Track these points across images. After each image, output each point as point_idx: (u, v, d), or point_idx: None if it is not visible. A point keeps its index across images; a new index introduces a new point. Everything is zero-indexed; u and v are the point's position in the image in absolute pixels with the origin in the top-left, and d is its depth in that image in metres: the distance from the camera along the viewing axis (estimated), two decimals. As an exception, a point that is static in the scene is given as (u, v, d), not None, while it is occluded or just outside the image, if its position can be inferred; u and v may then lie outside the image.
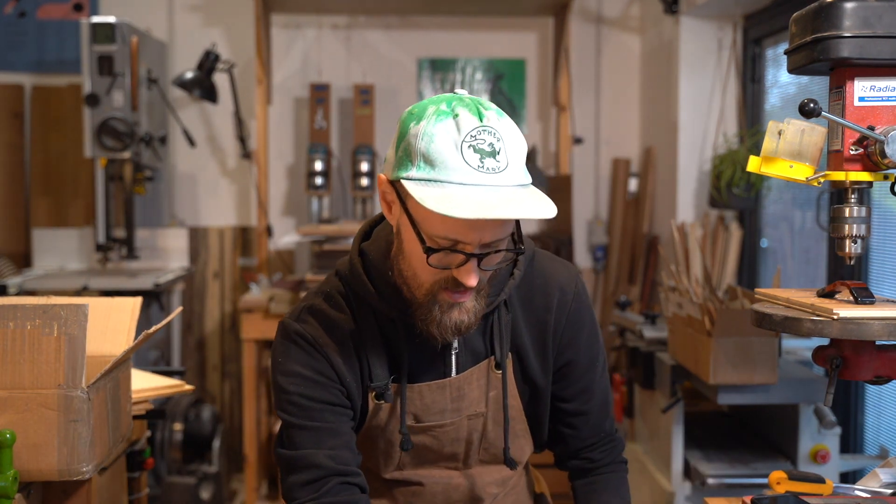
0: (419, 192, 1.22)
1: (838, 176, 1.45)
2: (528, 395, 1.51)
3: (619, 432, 1.63)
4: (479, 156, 1.22)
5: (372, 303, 1.40)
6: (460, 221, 1.21)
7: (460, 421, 1.47)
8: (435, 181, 1.23)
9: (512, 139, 1.26)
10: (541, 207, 1.22)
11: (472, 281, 1.28)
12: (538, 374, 1.49)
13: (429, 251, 1.26)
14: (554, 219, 4.17)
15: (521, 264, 1.45)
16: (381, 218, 1.46)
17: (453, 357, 1.44)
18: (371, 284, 1.40)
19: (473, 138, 1.23)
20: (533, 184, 1.29)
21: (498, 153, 1.23)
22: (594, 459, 1.58)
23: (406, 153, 1.26)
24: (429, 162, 1.23)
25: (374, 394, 1.42)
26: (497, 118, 1.26)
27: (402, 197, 1.29)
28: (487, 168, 1.22)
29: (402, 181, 1.25)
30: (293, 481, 1.38)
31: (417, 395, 1.44)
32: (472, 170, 1.22)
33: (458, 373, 1.45)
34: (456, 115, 1.24)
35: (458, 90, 1.32)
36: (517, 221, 1.33)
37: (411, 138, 1.25)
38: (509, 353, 1.46)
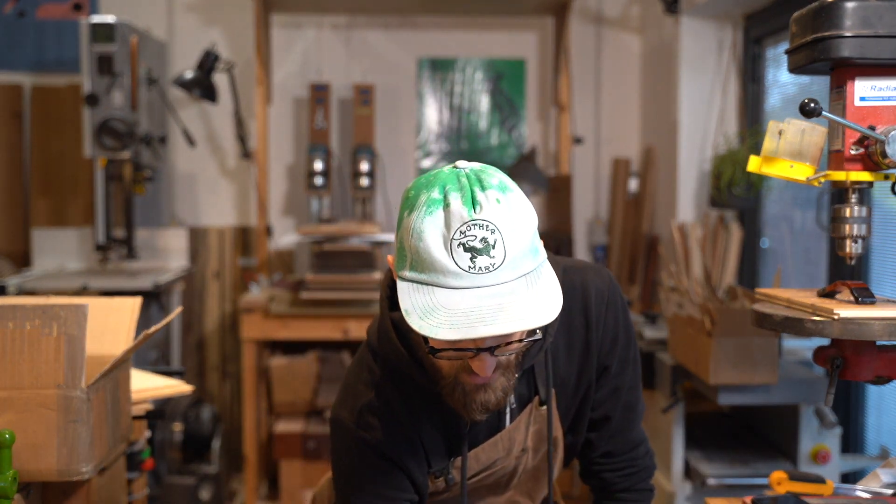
0: (407, 303, 1.15)
1: (839, 176, 1.44)
2: (570, 421, 1.49)
3: (650, 456, 1.59)
4: (469, 255, 1.13)
5: (423, 382, 1.33)
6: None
7: (509, 462, 1.45)
8: (425, 284, 1.16)
9: (510, 227, 1.16)
10: (538, 311, 1.14)
11: (487, 372, 1.20)
12: (579, 401, 1.46)
13: (432, 351, 1.20)
14: (554, 219, 4.17)
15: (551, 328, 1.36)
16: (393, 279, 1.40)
17: (508, 412, 1.41)
18: (417, 363, 1.32)
19: (463, 235, 1.14)
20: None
21: (493, 247, 1.14)
22: (611, 481, 1.55)
23: (401, 247, 1.20)
24: (418, 264, 1.16)
25: (433, 475, 1.40)
26: (495, 205, 1.15)
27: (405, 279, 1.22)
28: (480, 268, 1.13)
29: (398, 280, 1.19)
30: None
31: (474, 459, 1.41)
32: (463, 272, 1.13)
33: (510, 422, 1.42)
34: (447, 206, 1.16)
35: (461, 163, 1.23)
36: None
37: (404, 232, 1.19)
38: (552, 390, 1.43)
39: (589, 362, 1.44)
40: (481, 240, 1.14)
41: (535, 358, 1.36)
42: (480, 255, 1.14)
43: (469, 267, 1.14)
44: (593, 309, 1.43)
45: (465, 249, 1.14)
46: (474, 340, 1.16)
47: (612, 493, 1.57)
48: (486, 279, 1.14)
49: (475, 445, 1.41)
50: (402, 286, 1.17)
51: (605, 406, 1.49)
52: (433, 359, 1.24)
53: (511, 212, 1.17)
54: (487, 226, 1.14)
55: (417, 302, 1.15)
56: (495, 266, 1.14)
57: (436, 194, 1.17)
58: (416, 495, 1.39)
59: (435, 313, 1.13)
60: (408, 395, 1.36)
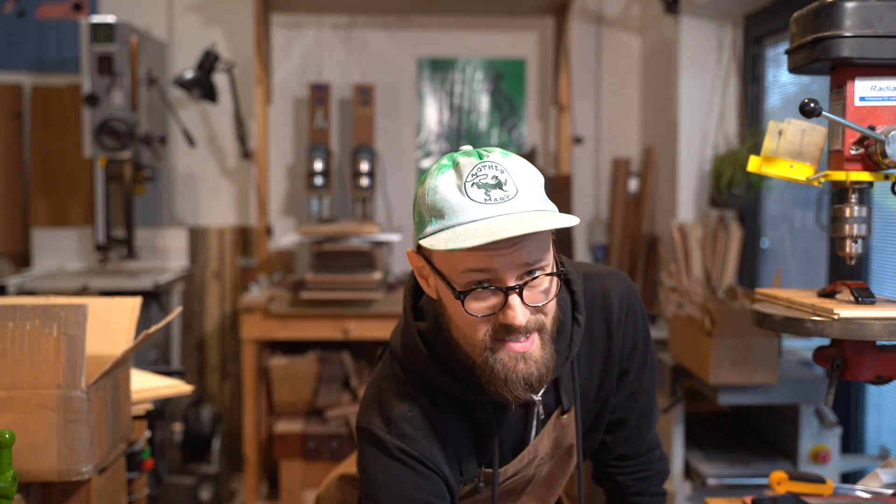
0: (431, 242, 1.18)
1: (839, 176, 1.44)
2: (588, 427, 1.48)
3: (664, 461, 1.58)
4: (483, 190, 1.18)
5: (452, 391, 1.33)
6: (481, 254, 1.17)
7: (529, 470, 1.45)
8: (447, 228, 1.19)
9: (519, 170, 1.21)
10: (557, 219, 1.17)
11: (519, 318, 1.19)
12: (598, 408, 1.46)
13: (461, 295, 1.20)
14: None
15: (581, 307, 1.37)
16: (415, 289, 1.40)
17: (534, 423, 1.39)
18: (446, 372, 1.32)
19: (475, 176, 1.19)
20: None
21: (504, 183, 1.19)
22: (625, 484, 1.56)
23: (419, 216, 1.24)
24: (438, 213, 1.20)
25: (463, 482, 1.38)
26: (501, 156, 1.22)
27: (428, 258, 1.26)
28: (495, 199, 1.18)
29: (421, 242, 1.22)
30: None
31: (502, 471, 1.40)
32: (479, 204, 1.18)
33: (536, 435, 1.41)
34: (456, 164, 1.22)
35: (464, 147, 1.28)
36: (554, 247, 1.27)
37: (420, 199, 1.24)
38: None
39: (610, 368, 1.43)
40: (493, 178, 1.19)
41: (561, 368, 1.35)
42: (494, 189, 1.18)
43: (485, 199, 1.18)
44: (615, 316, 1.41)
45: (479, 187, 1.19)
46: (500, 269, 1.18)
47: (626, 497, 1.58)
48: (503, 208, 1.18)
49: (503, 456, 1.39)
50: (426, 241, 1.20)
51: (621, 409, 1.49)
52: (466, 329, 1.23)
53: (517, 160, 1.23)
54: (497, 166, 1.20)
55: (441, 238, 1.18)
56: (510, 197, 1.19)
57: (445, 161, 1.25)
58: (451, 502, 1.37)
59: (459, 236, 1.16)
60: (438, 403, 1.34)
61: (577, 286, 1.39)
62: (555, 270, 1.24)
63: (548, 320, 1.25)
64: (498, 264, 1.18)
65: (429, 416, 1.33)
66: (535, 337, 1.23)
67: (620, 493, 1.58)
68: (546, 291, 1.23)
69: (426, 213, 1.21)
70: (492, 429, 1.34)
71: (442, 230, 1.19)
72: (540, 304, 1.22)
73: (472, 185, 1.19)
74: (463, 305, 1.20)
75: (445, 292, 1.24)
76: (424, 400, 1.33)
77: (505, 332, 1.21)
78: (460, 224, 1.18)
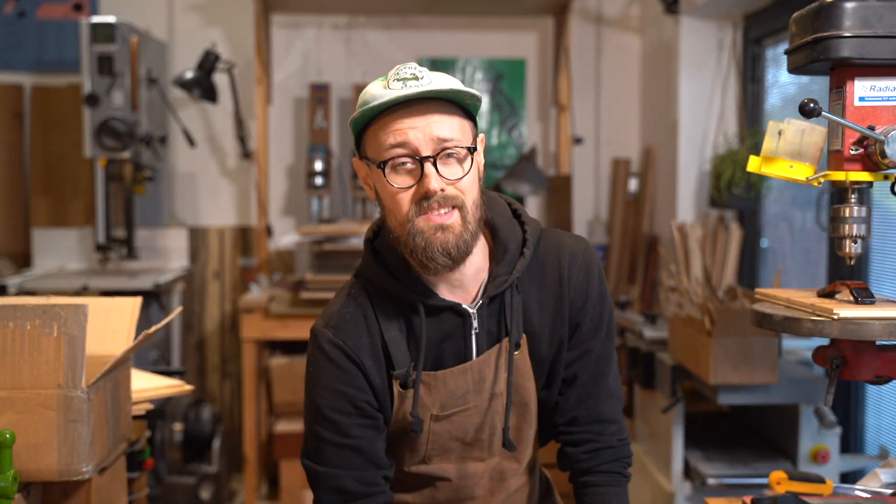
0: (351, 118, 1.38)
1: (838, 176, 1.45)
2: (545, 378, 1.52)
3: (624, 443, 1.56)
4: (401, 82, 1.34)
5: (391, 290, 1.44)
6: (398, 129, 1.34)
7: (481, 403, 1.47)
8: (367, 106, 1.35)
9: (438, 73, 1.38)
10: (457, 85, 1.36)
11: (433, 184, 1.34)
12: (553, 354, 1.50)
13: (382, 165, 1.36)
14: (554, 219, 4.17)
15: (530, 244, 1.48)
16: (377, 226, 1.52)
17: (473, 339, 1.46)
18: (387, 271, 1.45)
19: (396, 74, 1.35)
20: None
21: (421, 77, 1.35)
22: (575, 457, 1.54)
23: (353, 122, 1.40)
24: (362, 104, 1.37)
25: (398, 382, 1.44)
26: (428, 69, 1.37)
27: (362, 151, 1.42)
28: (411, 85, 1.34)
29: (355, 138, 1.42)
30: (321, 500, 1.46)
31: (441, 383, 1.45)
32: (396, 91, 1.33)
33: (478, 355, 1.46)
34: (384, 77, 1.38)
35: None
36: (476, 143, 1.42)
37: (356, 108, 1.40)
38: (523, 335, 1.48)
39: (561, 316, 1.49)
40: (411, 73, 1.35)
41: (502, 286, 1.45)
42: (410, 80, 1.35)
43: (402, 87, 1.34)
44: (566, 266, 1.50)
45: (398, 80, 1.35)
46: (415, 142, 1.35)
47: (579, 478, 1.55)
48: (418, 88, 1.34)
49: (442, 367, 1.46)
50: (350, 123, 1.41)
51: (574, 365, 1.52)
52: (394, 208, 1.38)
53: (444, 74, 1.39)
54: (416, 67, 1.36)
55: (356, 114, 1.37)
56: (425, 85, 1.34)
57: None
58: (374, 399, 1.44)
59: (370, 109, 1.35)
60: (378, 303, 1.46)
61: (529, 228, 1.50)
62: (469, 148, 1.39)
63: (466, 199, 1.38)
64: (413, 137, 1.34)
65: (364, 311, 1.45)
66: (456, 213, 1.37)
67: (574, 472, 1.55)
68: (461, 168, 1.38)
69: (356, 112, 1.37)
70: (422, 328, 1.43)
71: (364, 111, 1.36)
72: (454, 179, 1.36)
73: (394, 80, 1.35)
74: (385, 177, 1.36)
75: (380, 181, 1.39)
76: (363, 299, 1.46)
77: (426, 202, 1.35)
78: (377, 101, 1.34)
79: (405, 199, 1.36)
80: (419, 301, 1.43)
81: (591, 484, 1.54)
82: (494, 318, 1.47)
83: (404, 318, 1.45)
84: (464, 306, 1.45)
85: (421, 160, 1.35)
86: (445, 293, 1.45)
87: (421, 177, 1.35)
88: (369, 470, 1.44)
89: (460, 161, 1.37)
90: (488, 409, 1.48)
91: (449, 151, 1.36)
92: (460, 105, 1.40)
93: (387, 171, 1.36)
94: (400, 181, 1.36)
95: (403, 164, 1.36)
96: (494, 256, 1.47)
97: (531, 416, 1.53)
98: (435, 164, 1.35)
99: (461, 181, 1.37)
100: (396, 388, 1.44)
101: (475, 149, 1.40)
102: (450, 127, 1.36)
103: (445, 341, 1.45)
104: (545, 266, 1.49)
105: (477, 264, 1.45)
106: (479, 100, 1.40)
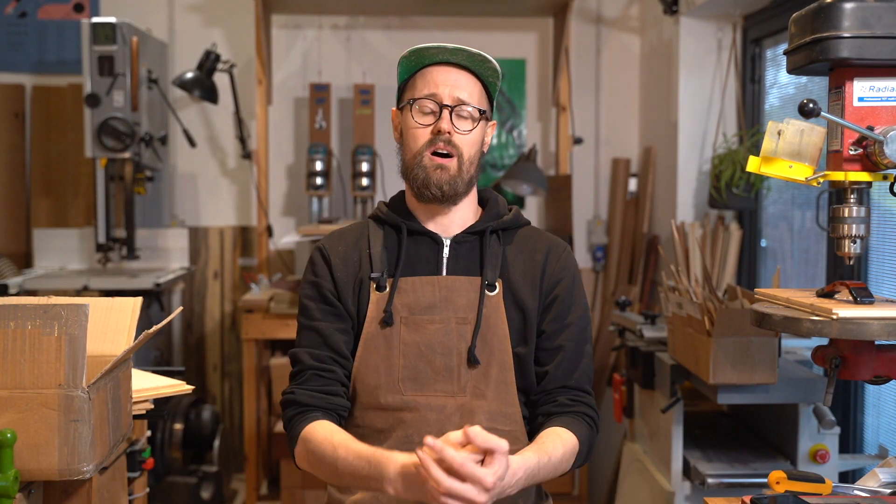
0: (398, 64, 1.72)
1: (837, 176, 1.45)
2: (519, 324, 1.69)
3: (593, 408, 1.71)
4: (439, 42, 1.69)
5: (382, 216, 1.76)
6: (432, 80, 1.68)
7: (448, 322, 1.66)
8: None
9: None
10: (486, 53, 1.68)
11: (445, 125, 1.66)
12: (528, 301, 1.70)
13: (412, 101, 1.69)
14: (554, 218, 4.18)
15: (514, 212, 1.78)
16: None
17: (444, 260, 1.72)
18: (387, 207, 1.79)
19: (436, 43, 1.69)
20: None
21: (460, 47, 1.68)
22: (552, 412, 1.67)
23: (403, 64, 1.73)
24: (412, 53, 1.70)
25: (374, 286, 1.69)
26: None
27: (400, 100, 1.75)
28: (446, 43, 1.67)
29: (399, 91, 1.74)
30: (290, 374, 1.73)
31: (410, 287, 1.69)
32: (439, 43, 1.68)
33: (447, 274, 1.71)
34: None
35: None
36: (490, 111, 1.75)
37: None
38: (500, 280, 1.70)
39: (536, 277, 1.72)
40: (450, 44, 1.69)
41: (482, 226, 1.73)
42: (449, 43, 1.68)
43: (439, 45, 1.68)
44: (551, 249, 1.76)
45: (438, 44, 1.69)
46: (441, 94, 1.68)
47: (546, 417, 1.68)
48: (453, 44, 1.68)
49: (416, 271, 1.71)
50: (398, 66, 1.74)
51: (559, 336, 1.70)
52: (411, 142, 1.69)
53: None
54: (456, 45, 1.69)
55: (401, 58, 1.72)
56: (461, 45, 1.68)
57: None
58: (335, 290, 1.70)
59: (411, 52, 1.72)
60: (375, 230, 1.77)
61: (518, 214, 1.79)
62: (481, 115, 1.71)
63: (464, 152, 1.68)
64: (441, 91, 1.68)
65: (360, 232, 1.77)
66: (455, 161, 1.68)
67: (542, 417, 1.68)
68: (470, 125, 1.69)
69: (406, 52, 1.71)
70: (403, 245, 1.72)
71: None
72: (462, 130, 1.68)
73: (434, 43, 1.69)
74: (410, 113, 1.69)
75: (406, 118, 1.71)
76: (365, 227, 1.79)
77: (436, 138, 1.67)
78: (426, 45, 1.68)
79: (421, 135, 1.68)
80: (403, 223, 1.73)
81: (555, 414, 1.67)
82: (474, 258, 1.72)
83: (392, 240, 1.75)
84: (440, 235, 1.72)
85: (441, 107, 1.67)
86: (430, 225, 1.73)
87: (438, 119, 1.67)
88: (324, 350, 1.68)
89: (472, 121, 1.69)
90: (455, 331, 1.66)
91: (464, 108, 1.68)
92: (483, 84, 1.72)
93: (413, 110, 1.69)
94: (421, 120, 1.69)
95: (427, 107, 1.68)
96: (483, 217, 1.75)
97: (506, 358, 1.67)
98: (451, 114, 1.67)
99: (466, 135, 1.68)
100: (373, 291, 1.69)
101: (484, 112, 1.71)
102: (469, 93, 1.70)
103: (420, 262, 1.72)
104: (527, 240, 1.77)
105: (464, 216, 1.74)
106: (497, 76, 1.72)
